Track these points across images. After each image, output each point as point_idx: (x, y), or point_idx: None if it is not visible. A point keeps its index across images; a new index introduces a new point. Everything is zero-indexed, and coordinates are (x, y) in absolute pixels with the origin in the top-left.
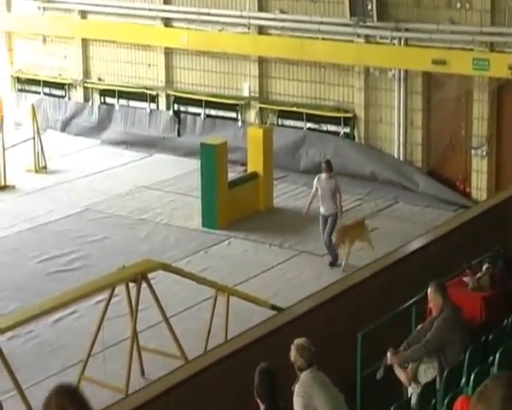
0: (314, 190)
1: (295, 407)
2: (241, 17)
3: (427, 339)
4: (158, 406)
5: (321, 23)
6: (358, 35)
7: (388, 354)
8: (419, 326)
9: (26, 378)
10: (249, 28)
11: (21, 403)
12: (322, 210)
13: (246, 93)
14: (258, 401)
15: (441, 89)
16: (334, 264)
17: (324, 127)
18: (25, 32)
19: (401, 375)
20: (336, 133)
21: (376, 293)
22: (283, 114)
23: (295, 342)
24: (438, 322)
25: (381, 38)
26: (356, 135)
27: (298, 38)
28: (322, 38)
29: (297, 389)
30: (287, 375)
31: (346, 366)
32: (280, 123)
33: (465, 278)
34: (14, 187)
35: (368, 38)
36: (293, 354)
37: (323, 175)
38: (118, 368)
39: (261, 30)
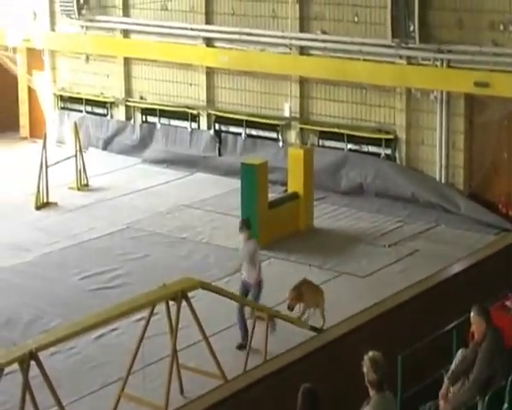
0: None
1: None
2: (283, 37)
3: (475, 377)
4: None
5: (362, 44)
6: (400, 56)
7: (440, 402)
8: (461, 352)
9: (66, 394)
10: (291, 49)
11: None
12: (242, 277)
13: (287, 113)
14: None
15: (484, 111)
16: (243, 346)
17: (365, 148)
18: (68, 51)
19: None
20: (377, 155)
21: (417, 315)
22: (324, 135)
23: (370, 354)
24: (482, 354)
25: (422, 59)
26: (397, 156)
27: (339, 58)
28: (364, 59)
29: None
30: (326, 396)
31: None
32: (321, 144)
33: (507, 303)
34: (56, 204)
35: (410, 60)
36: (366, 365)
37: (241, 237)
38: (157, 386)
39: (303, 50)
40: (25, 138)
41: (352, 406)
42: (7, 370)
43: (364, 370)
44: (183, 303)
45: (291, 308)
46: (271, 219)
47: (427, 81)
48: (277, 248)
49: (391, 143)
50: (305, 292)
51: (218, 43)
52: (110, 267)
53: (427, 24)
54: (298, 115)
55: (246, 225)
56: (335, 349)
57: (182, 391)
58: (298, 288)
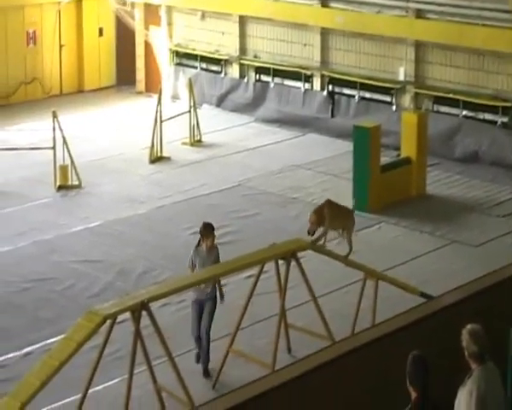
0: (190, 268)
1: (462, 400)
2: (400, 0)
3: None
4: (303, 384)
5: (481, 9)
6: None
7: None
8: None
9: (175, 346)
10: (407, 11)
11: (171, 369)
12: (195, 294)
13: (401, 77)
14: (411, 388)
15: None
16: (207, 373)
17: (481, 116)
18: (184, 7)
19: None
20: (493, 122)
21: None
22: (439, 100)
23: (469, 327)
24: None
25: None
26: None
27: (456, 23)
28: (482, 25)
29: (468, 385)
30: (433, 364)
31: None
32: (435, 109)
33: None
34: (169, 159)
35: None
36: (465, 338)
37: (203, 246)
38: (265, 344)
39: (419, 13)
40: (140, 93)
41: (459, 376)
42: (119, 318)
43: (464, 344)
44: (293, 263)
45: (311, 233)
46: (383, 184)
47: None
48: (388, 213)
49: (508, 111)
50: (328, 214)
51: (333, 4)
52: (221, 224)
53: None
54: (413, 79)
55: (212, 228)
56: (444, 318)
57: (289, 350)
58: (319, 210)
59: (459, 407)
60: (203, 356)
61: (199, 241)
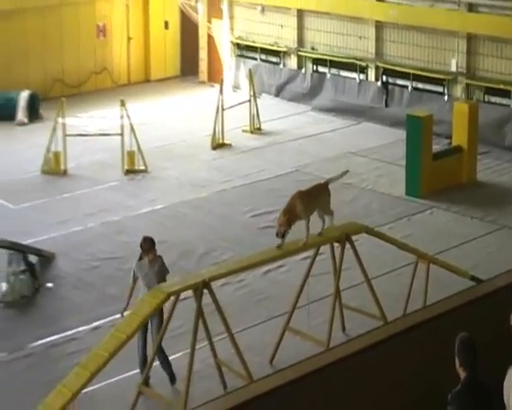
0: (132, 281)
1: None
2: None
3: None
4: (357, 362)
5: None
6: None
7: None
8: None
9: (235, 323)
10: (459, 5)
11: (231, 345)
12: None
13: (453, 68)
14: (460, 369)
15: None
16: (174, 378)
17: None
18: (245, 1)
19: None
20: None
21: None
22: (490, 91)
23: None
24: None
25: None
26: None
27: (507, 16)
28: None
29: None
30: (482, 346)
31: None
32: (486, 99)
33: None
34: (230, 145)
35: None
36: None
37: (145, 260)
38: (320, 323)
39: (471, 7)
40: (203, 83)
41: (508, 357)
42: (182, 296)
43: None
44: (347, 246)
45: (280, 235)
46: (435, 171)
47: None
48: (440, 198)
49: None
50: (301, 208)
51: None
52: (279, 207)
53: None
54: (464, 71)
55: (152, 243)
56: (495, 301)
57: (343, 329)
58: (288, 209)
59: (508, 387)
60: (164, 366)
61: (140, 255)
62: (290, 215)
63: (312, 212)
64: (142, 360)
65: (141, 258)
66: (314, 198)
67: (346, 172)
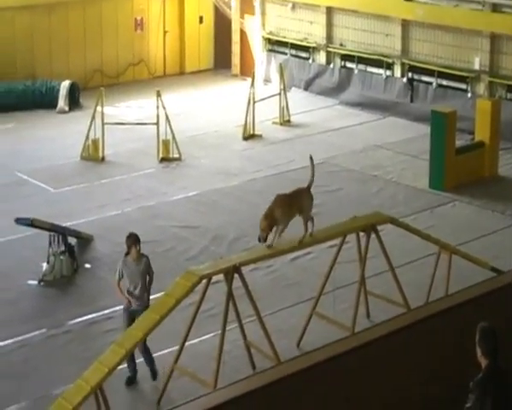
0: (118, 277)
1: None
2: None
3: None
4: (380, 347)
5: None
6: None
7: None
8: None
9: (263, 307)
10: (483, 5)
11: (259, 328)
12: (127, 304)
13: (476, 66)
14: (482, 358)
15: None
16: (156, 374)
17: None
18: None
19: None
20: None
21: None
22: None
23: None
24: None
25: None
26: None
27: None
28: None
29: None
30: (502, 335)
31: None
32: (508, 97)
33: None
34: (261, 136)
35: None
36: None
37: (130, 257)
38: (345, 308)
39: (495, 8)
40: (235, 76)
41: None
42: (214, 279)
43: None
44: (372, 235)
45: (262, 240)
46: (458, 165)
47: None
48: (462, 192)
49: None
50: (280, 214)
51: None
52: None
53: None
54: (487, 69)
55: (135, 238)
56: None
57: (368, 315)
58: (269, 214)
59: None
60: (147, 362)
61: (126, 252)
62: (271, 220)
63: (292, 217)
64: (128, 360)
65: (126, 255)
66: (294, 203)
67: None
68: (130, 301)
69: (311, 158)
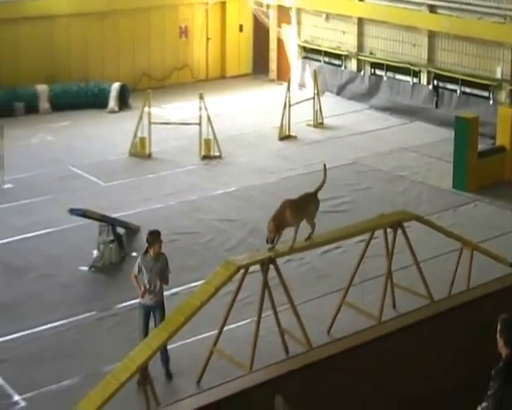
0: (136, 271)
1: None
2: (498, 8)
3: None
4: (405, 336)
5: None
6: None
7: None
8: None
9: (296, 296)
10: (505, 18)
11: (293, 315)
12: (143, 299)
13: (498, 75)
14: (503, 348)
15: None
16: (170, 374)
17: None
18: (311, 9)
19: None
20: None
21: None
22: None
23: None
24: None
25: None
26: None
27: None
28: None
29: None
30: None
31: None
32: None
33: None
34: (295, 137)
35: None
36: None
37: (150, 253)
38: (373, 299)
39: None
40: (272, 80)
41: None
42: (250, 269)
43: None
44: (399, 232)
45: (270, 241)
46: (479, 168)
47: None
48: (483, 193)
49: None
50: (290, 216)
51: (440, 10)
52: (338, 194)
53: None
54: (508, 78)
55: (158, 235)
56: None
57: (394, 306)
58: (278, 217)
59: None
60: (163, 361)
61: (146, 249)
62: (279, 222)
63: (301, 219)
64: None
65: (146, 251)
66: (302, 207)
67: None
68: (144, 295)
69: (324, 166)
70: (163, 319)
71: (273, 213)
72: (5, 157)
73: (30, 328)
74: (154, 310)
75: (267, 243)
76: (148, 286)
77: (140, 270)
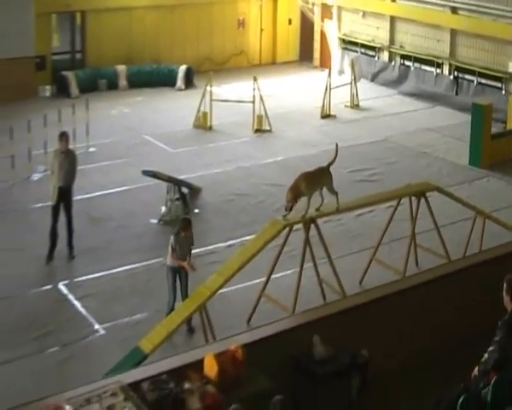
0: (173, 247)
1: None
2: (511, 12)
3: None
4: (426, 289)
5: None
6: None
7: None
8: None
9: (333, 252)
10: None
11: (330, 268)
12: (172, 263)
13: (510, 69)
14: (509, 303)
15: None
16: (192, 329)
17: None
18: (350, 7)
19: None
20: None
21: None
22: None
23: None
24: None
25: None
26: None
27: None
28: None
29: None
30: None
31: None
32: None
33: None
34: (335, 117)
35: None
36: None
37: (181, 234)
38: (398, 257)
39: None
40: (316, 67)
41: None
42: (295, 228)
43: None
44: (422, 200)
45: (288, 209)
46: (492, 148)
47: None
48: (495, 169)
49: None
50: (305, 186)
51: (460, 12)
52: (370, 166)
53: None
54: None
55: (189, 222)
56: None
57: (417, 264)
58: (295, 187)
59: None
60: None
61: (178, 230)
62: (296, 192)
63: (315, 190)
64: (172, 304)
65: (178, 232)
66: (316, 179)
67: (337, 147)
68: (181, 264)
69: (336, 145)
70: (186, 284)
71: (290, 185)
72: (90, 125)
73: (108, 269)
74: (180, 272)
75: (285, 210)
76: (180, 256)
77: (173, 247)
